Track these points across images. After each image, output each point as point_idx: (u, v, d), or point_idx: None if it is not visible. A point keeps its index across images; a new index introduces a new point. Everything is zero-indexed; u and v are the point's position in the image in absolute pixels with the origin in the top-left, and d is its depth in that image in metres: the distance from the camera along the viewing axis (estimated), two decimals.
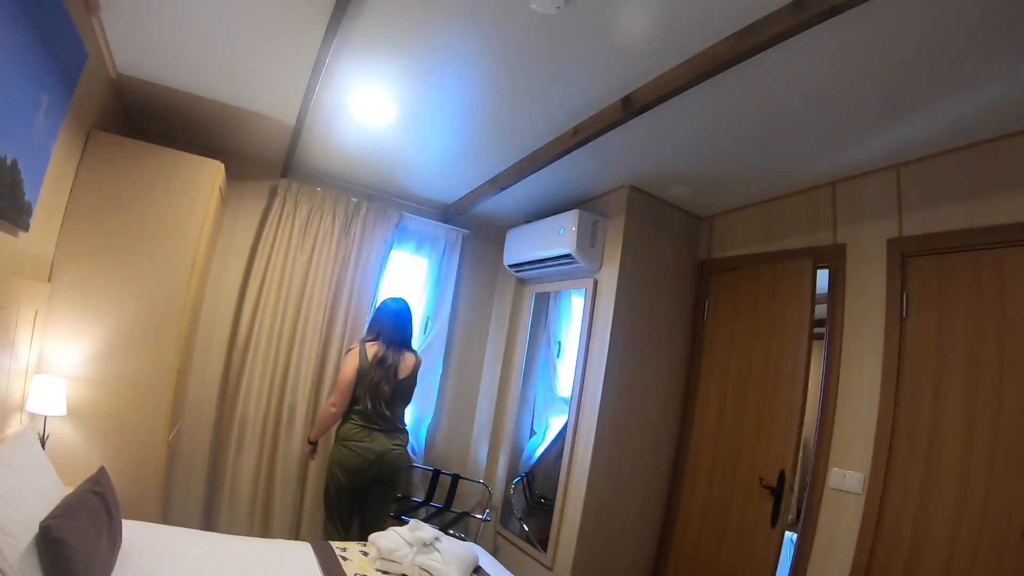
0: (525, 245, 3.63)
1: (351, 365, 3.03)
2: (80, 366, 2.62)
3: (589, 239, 3.22)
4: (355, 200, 3.74)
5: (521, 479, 3.65)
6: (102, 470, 2.15)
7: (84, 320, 2.65)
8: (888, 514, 2.27)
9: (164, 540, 2.28)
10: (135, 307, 2.74)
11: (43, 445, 2.48)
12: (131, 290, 2.74)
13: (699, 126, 2.44)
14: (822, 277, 2.76)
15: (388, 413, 3.06)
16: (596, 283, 3.27)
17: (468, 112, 2.67)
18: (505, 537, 3.64)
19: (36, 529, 1.63)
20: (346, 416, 3.06)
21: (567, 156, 2.73)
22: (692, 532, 3.14)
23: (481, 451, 4.01)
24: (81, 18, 2.20)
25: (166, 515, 3.15)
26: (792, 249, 2.93)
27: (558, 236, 3.28)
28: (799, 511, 2.73)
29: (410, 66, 2.34)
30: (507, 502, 3.66)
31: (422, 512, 3.64)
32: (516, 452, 3.74)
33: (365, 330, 3.32)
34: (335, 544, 2.63)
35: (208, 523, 3.36)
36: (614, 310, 3.08)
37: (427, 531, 2.54)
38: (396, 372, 3.08)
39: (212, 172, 2.90)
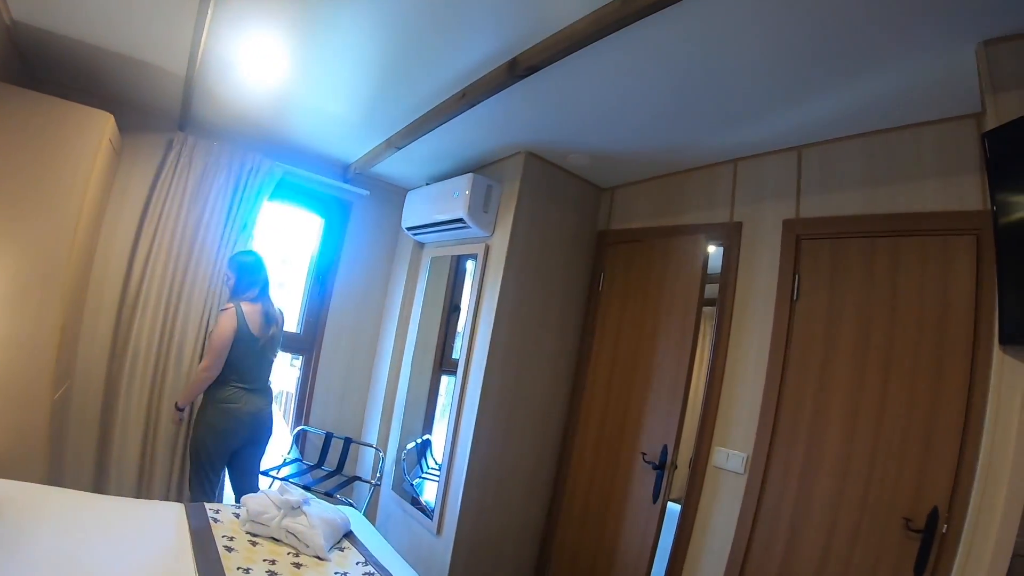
0: (422, 208, 3.61)
1: (228, 326, 2.96)
2: None
3: (482, 204, 3.20)
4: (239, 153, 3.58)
5: (417, 445, 3.69)
6: None
7: None
8: (769, 495, 2.38)
9: (35, 499, 2.20)
10: (16, 260, 2.59)
11: None
12: (12, 242, 2.59)
13: (593, 95, 2.42)
14: (717, 256, 2.81)
15: (262, 373, 3.06)
16: (488, 248, 3.27)
17: (356, 72, 2.61)
18: (397, 502, 3.67)
19: None
20: (220, 378, 3.00)
21: (458, 119, 2.70)
22: (578, 504, 3.25)
23: (375, 416, 4.03)
24: None
25: (55, 476, 3.02)
26: (688, 224, 2.99)
27: (452, 200, 3.27)
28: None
29: (297, 16, 2.24)
30: (399, 467, 3.70)
31: (312, 475, 3.64)
32: (411, 417, 3.76)
33: (233, 287, 3.17)
34: (209, 506, 2.61)
35: (99, 485, 3.26)
36: (503, 276, 3.09)
37: (295, 494, 2.54)
38: (271, 332, 3.08)
39: (100, 123, 2.75)
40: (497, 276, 3.13)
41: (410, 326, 3.89)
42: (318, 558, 2.36)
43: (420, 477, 3.55)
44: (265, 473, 3.32)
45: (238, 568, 2.15)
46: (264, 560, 2.26)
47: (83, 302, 3.32)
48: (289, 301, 4.01)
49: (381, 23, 2.16)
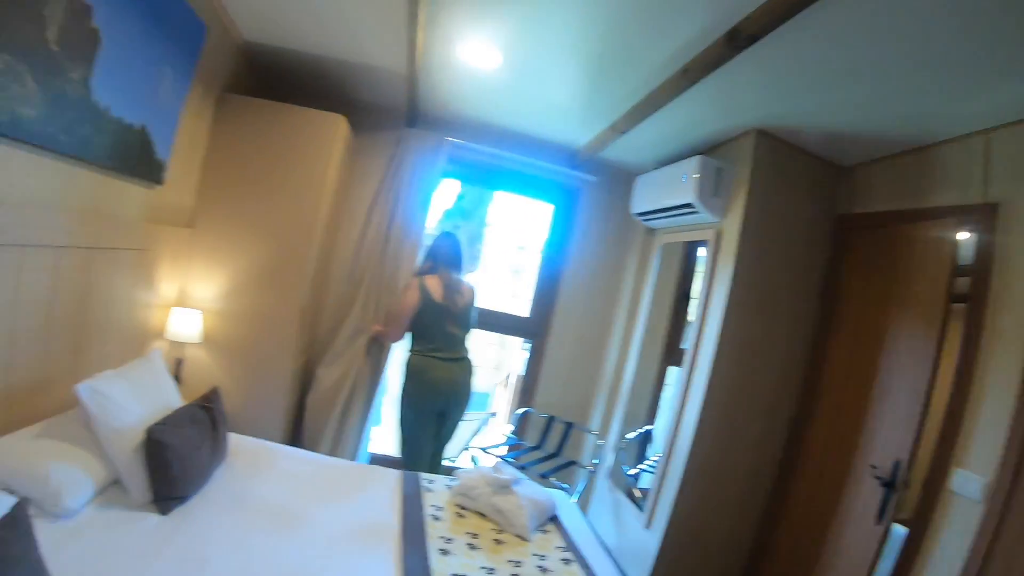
0: (651, 193, 3.52)
1: (411, 297, 3.26)
2: (215, 300, 3.13)
3: (712, 187, 3.02)
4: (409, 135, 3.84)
5: (639, 435, 3.66)
6: (214, 389, 2.58)
7: (220, 260, 3.14)
8: (1009, 530, 1.92)
9: (267, 454, 2.71)
10: (266, 250, 3.17)
11: (179, 366, 3.06)
12: (263, 235, 3.16)
13: (822, 61, 2.13)
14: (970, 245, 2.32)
15: (456, 343, 3.30)
16: (719, 234, 3.08)
17: (573, 57, 2.64)
18: (611, 491, 3.68)
19: (144, 433, 2.07)
20: (413, 349, 3.31)
21: (682, 97, 2.58)
22: (798, 512, 2.92)
23: (598, 403, 4.05)
24: (204, 3, 2.57)
25: (296, 438, 3.64)
26: (934, 207, 2.49)
27: (680, 184, 3.13)
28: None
29: (512, 10, 2.36)
30: (617, 456, 3.71)
31: (530, 456, 3.82)
32: (635, 406, 3.74)
33: (420, 265, 3.49)
34: (423, 475, 2.91)
35: (333, 449, 3.76)
36: (734, 264, 2.89)
37: (507, 473, 2.71)
38: (456, 304, 3.28)
39: (335, 125, 3.22)
40: (728, 263, 2.93)
41: (639, 313, 3.82)
42: (520, 537, 2.49)
43: (638, 468, 3.51)
44: (484, 450, 3.58)
45: (440, 536, 2.36)
46: (467, 533, 2.44)
47: (326, 285, 3.87)
48: (523, 287, 4.23)
49: (593, 4, 2.14)
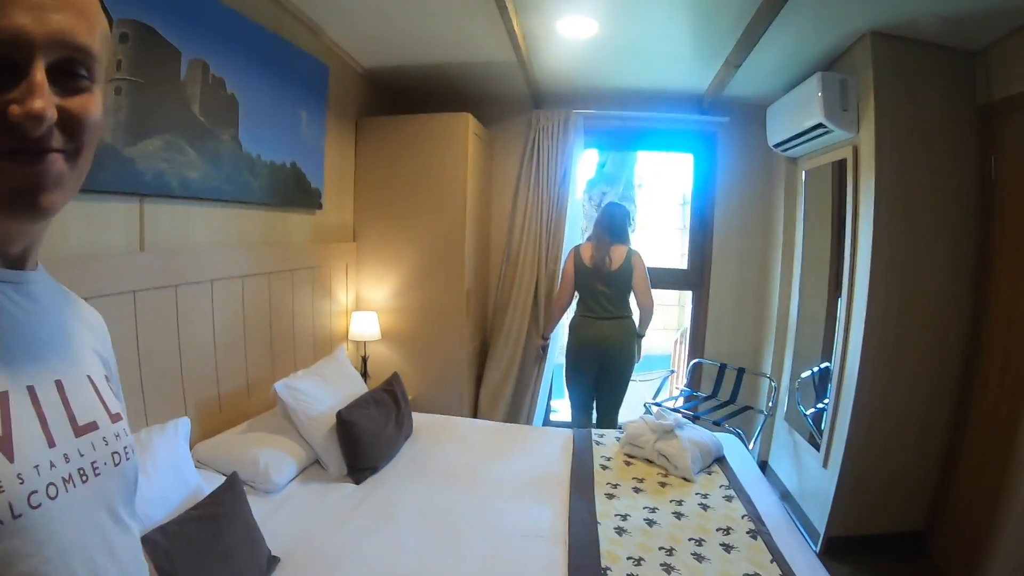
0: (783, 121, 3.31)
1: (567, 264, 3.50)
2: (387, 300, 3.55)
3: (839, 103, 2.80)
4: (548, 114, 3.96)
5: (814, 372, 3.46)
6: (394, 374, 2.95)
7: (385, 265, 3.55)
8: None
9: (449, 428, 3.00)
10: (424, 248, 3.52)
11: (365, 363, 3.51)
12: (418, 235, 3.52)
13: None
14: None
15: (607, 303, 3.41)
16: (856, 149, 2.85)
17: (665, 1, 2.62)
18: (789, 432, 3.53)
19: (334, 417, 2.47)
20: (575, 312, 3.54)
21: (782, 16, 2.43)
22: (980, 442, 2.60)
23: (769, 345, 3.88)
24: (314, 41, 2.96)
25: (477, 411, 3.97)
26: None
27: (808, 106, 2.93)
28: None
29: None
30: (793, 397, 3.52)
31: (704, 405, 3.78)
32: (807, 343, 3.53)
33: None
34: (595, 431, 3.06)
35: (511, 417, 4.06)
36: (875, 178, 2.66)
37: (669, 418, 2.77)
38: (607, 266, 3.39)
39: (463, 123, 3.47)
40: (870, 179, 2.71)
41: (796, 247, 3.58)
42: (685, 479, 2.53)
43: (816, 407, 3.30)
44: (658, 404, 3.60)
45: (607, 483, 2.49)
46: (633, 478, 2.55)
47: (487, 269, 4.16)
48: (672, 238, 4.17)
49: None
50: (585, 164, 4.13)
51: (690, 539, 2.05)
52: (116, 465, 0.67)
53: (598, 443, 2.89)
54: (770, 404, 3.64)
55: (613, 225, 3.48)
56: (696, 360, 4.07)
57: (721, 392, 3.83)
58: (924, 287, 2.73)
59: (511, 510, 2.23)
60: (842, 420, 2.84)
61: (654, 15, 2.74)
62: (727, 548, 2.00)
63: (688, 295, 4.32)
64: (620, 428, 3.08)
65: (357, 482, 2.39)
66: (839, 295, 3.27)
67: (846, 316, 2.89)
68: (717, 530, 2.11)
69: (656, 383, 4.33)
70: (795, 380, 3.47)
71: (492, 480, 2.47)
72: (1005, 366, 2.52)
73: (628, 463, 2.70)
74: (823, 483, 2.95)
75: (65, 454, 0.60)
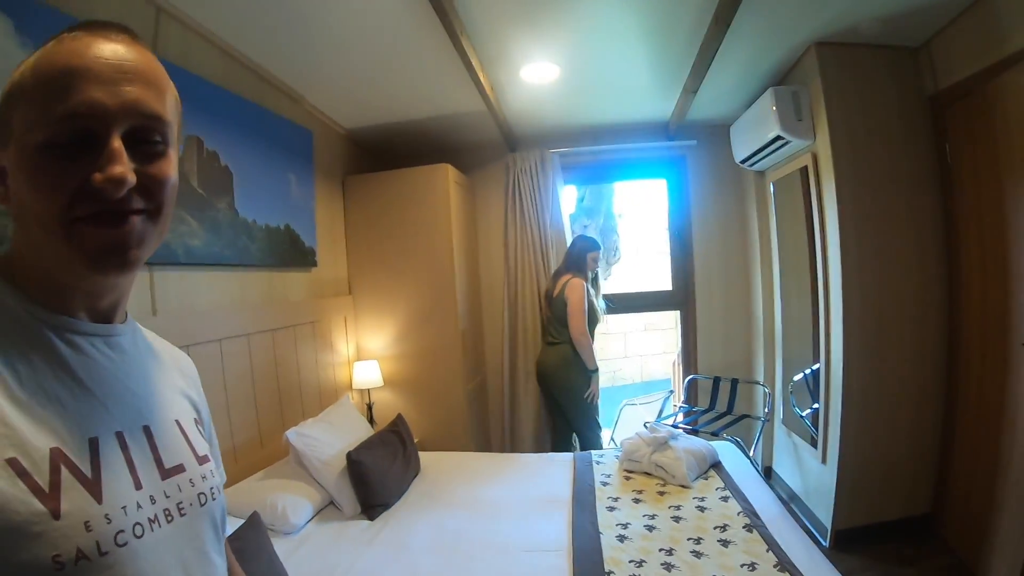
0: (745, 137, 3.51)
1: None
2: (386, 348, 3.71)
3: (793, 114, 3.00)
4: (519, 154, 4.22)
5: (806, 375, 3.58)
6: (399, 416, 3.08)
7: (381, 315, 3.72)
8: None
9: (454, 462, 3.10)
10: (416, 296, 3.69)
11: (371, 409, 3.64)
12: (410, 284, 3.68)
13: None
14: None
15: (550, 328, 3.79)
16: (814, 156, 3.03)
17: (616, 43, 2.84)
18: (787, 435, 3.61)
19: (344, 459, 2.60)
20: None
21: (728, 41, 2.64)
22: (971, 417, 2.70)
23: (759, 353, 4.01)
24: (296, 108, 3.19)
25: (480, 445, 4.05)
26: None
27: (765, 121, 3.13)
28: None
29: (544, 28, 2.66)
30: (788, 400, 3.62)
31: (703, 419, 3.88)
32: (797, 347, 3.66)
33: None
34: (595, 452, 3.18)
35: (514, 447, 4.19)
36: (835, 179, 2.82)
37: (662, 431, 2.89)
38: (552, 293, 3.73)
39: (443, 174, 3.66)
40: (830, 182, 2.87)
41: (773, 256, 3.76)
42: (682, 486, 2.64)
43: (812, 408, 3.41)
44: (656, 422, 3.72)
45: (608, 497, 2.60)
46: (633, 491, 2.65)
47: (480, 310, 4.32)
48: (660, 263, 4.35)
49: None
50: (566, 199, 4.33)
51: (689, 539, 2.16)
52: (203, 505, 0.71)
53: (598, 462, 3.00)
54: (766, 410, 3.75)
55: (567, 256, 3.80)
56: (691, 377, 4.18)
57: (718, 404, 3.94)
58: (897, 277, 2.86)
59: (517, 529, 2.34)
60: (834, 416, 2.93)
61: (610, 54, 2.96)
62: (724, 543, 2.11)
63: (676, 315, 4.47)
64: (618, 447, 3.20)
65: (371, 518, 2.50)
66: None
67: (825, 315, 3.02)
68: (714, 528, 2.22)
69: (657, 405, 4.44)
70: (788, 384, 3.58)
71: (497, 504, 2.59)
72: (984, 340, 2.64)
73: (627, 477, 2.81)
74: (824, 479, 3.03)
75: (152, 495, 0.64)
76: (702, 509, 2.38)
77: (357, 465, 2.55)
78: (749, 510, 2.31)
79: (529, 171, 4.13)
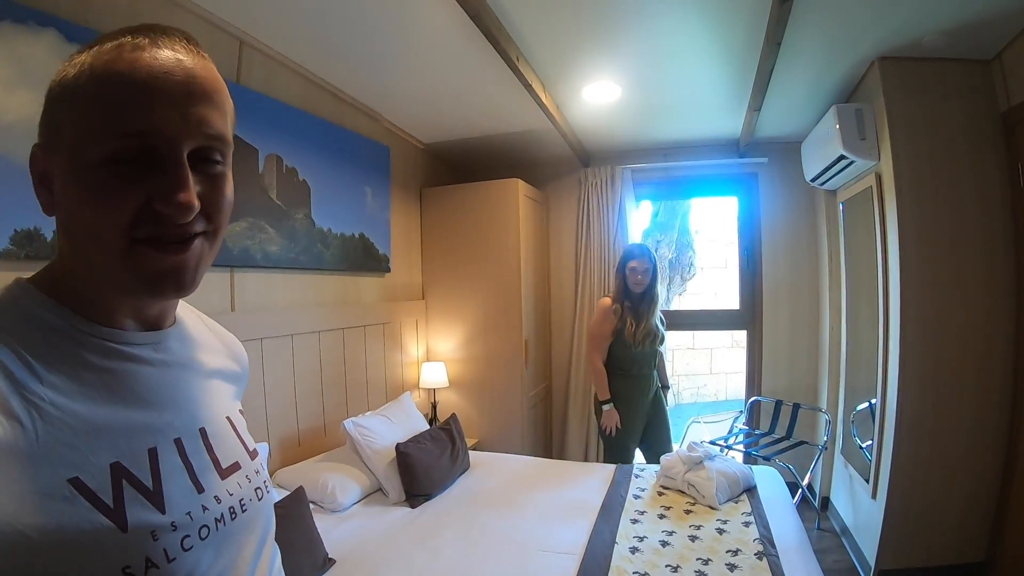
0: (813, 155, 3.38)
1: None
2: (453, 351, 3.91)
3: (856, 132, 2.87)
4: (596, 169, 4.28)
5: (871, 404, 3.43)
6: (453, 415, 3.26)
7: (451, 319, 3.94)
8: None
9: (502, 464, 3.24)
10: (484, 303, 3.88)
11: (435, 408, 3.87)
12: (479, 292, 3.88)
13: None
14: None
15: None
16: (878, 176, 2.89)
17: (676, 61, 2.86)
18: (844, 466, 3.44)
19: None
20: None
21: (784, 57, 2.59)
22: None
23: (824, 377, 3.83)
24: (374, 126, 3.47)
25: (537, 451, 4.14)
26: None
27: (829, 139, 3.02)
28: None
29: (603, 49, 2.74)
30: (848, 429, 3.47)
31: (761, 442, 3.78)
32: (863, 374, 3.51)
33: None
34: (638, 466, 3.21)
35: (566, 455, 4.27)
36: (897, 202, 2.68)
37: (700, 451, 2.90)
38: None
39: (513, 188, 3.82)
40: (892, 203, 2.72)
41: (841, 278, 3.60)
42: (711, 507, 2.64)
43: (873, 440, 3.25)
44: (712, 442, 3.68)
45: (635, 510, 2.64)
46: (661, 507, 2.66)
47: (549, 319, 4.44)
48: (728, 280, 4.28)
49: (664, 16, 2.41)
50: (641, 215, 4.37)
51: (698, 558, 2.17)
52: (260, 500, 0.72)
53: (637, 476, 3.03)
54: (826, 438, 3.61)
55: None
56: (754, 398, 4.07)
57: (778, 428, 3.83)
58: (961, 307, 2.67)
59: (540, 530, 2.45)
60: (886, 449, 2.78)
61: (669, 74, 3.00)
62: (731, 567, 2.10)
63: (744, 334, 4.38)
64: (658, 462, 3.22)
65: (413, 506, 2.69)
66: None
67: (884, 344, 2.88)
68: (727, 551, 2.21)
69: (726, 424, 4.38)
70: (850, 413, 3.43)
71: (530, 505, 2.70)
72: None
73: (661, 493, 2.82)
74: (873, 515, 2.86)
75: (216, 496, 0.65)
76: (721, 531, 2.38)
77: (404, 456, 2.76)
78: (766, 538, 2.28)
79: (600, 186, 4.20)
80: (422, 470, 2.79)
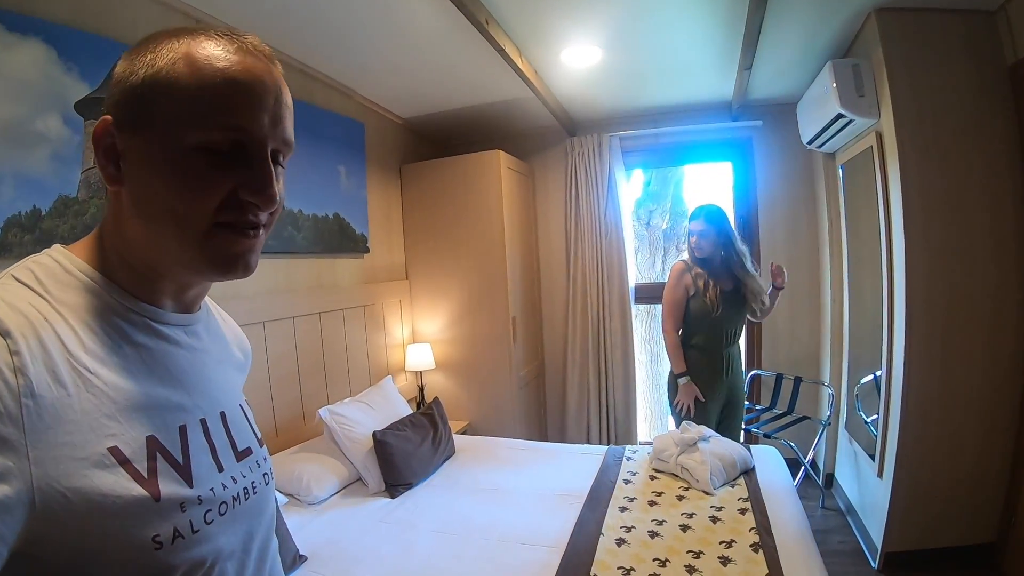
0: (809, 116, 3.14)
1: None
2: (440, 332, 3.73)
3: (853, 89, 2.64)
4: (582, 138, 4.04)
5: (876, 377, 3.24)
6: (435, 399, 3.09)
7: (436, 299, 3.74)
8: None
9: (489, 448, 3.07)
10: (469, 281, 3.67)
11: (422, 391, 3.71)
12: (463, 269, 3.67)
13: None
14: None
15: None
16: (879, 135, 2.66)
17: (657, 18, 2.64)
18: (849, 442, 3.25)
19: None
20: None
21: (772, 9, 2.38)
22: None
23: (826, 349, 3.63)
24: (347, 101, 3.24)
25: (531, 432, 4.00)
26: None
27: (825, 98, 2.79)
28: None
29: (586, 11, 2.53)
30: (852, 404, 3.28)
31: (762, 417, 3.61)
32: (866, 346, 3.31)
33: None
34: (629, 447, 3.03)
35: (564, 435, 4.14)
36: (899, 160, 2.46)
37: (692, 431, 2.72)
38: None
39: (494, 160, 3.61)
40: (895, 164, 2.50)
41: (843, 244, 3.38)
42: (705, 493, 2.47)
43: (878, 414, 3.06)
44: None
45: (624, 497, 2.47)
46: (652, 492, 2.49)
47: (539, 295, 4.24)
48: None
49: None
50: (632, 184, 4.15)
51: (688, 551, 1.99)
52: (267, 485, 0.76)
53: (629, 459, 2.86)
54: (829, 413, 3.43)
55: None
56: (752, 372, 3.87)
57: (779, 403, 3.64)
58: (969, 273, 2.47)
59: (522, 520, 2.28)
60: (892, 426, 2.60)
61: (653, 34, 2.76)
62: (724, 561, 1.92)
63: None
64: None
65: (392, 496, 2.54)
66: None
67: (888, 314, 2.67)
68: (720, 543, 2.02)
69: None
70: (854, 386, 3.24)
71: (513, 494, 2.54)
72: None
73: (653, 477, 2.65)
74: (879, 495, 2.68)
75: (232, 476, 0.69)
76: (715, 520, 2.20)
77: (382, 445, 2.60)
78: (764, 527, 2.10)
79: (587, 155, 3.97)
80: (401, 458, 2.63)
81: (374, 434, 2.63)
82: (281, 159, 0.65)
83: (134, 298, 0.63)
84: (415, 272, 3.83)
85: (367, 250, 3.37)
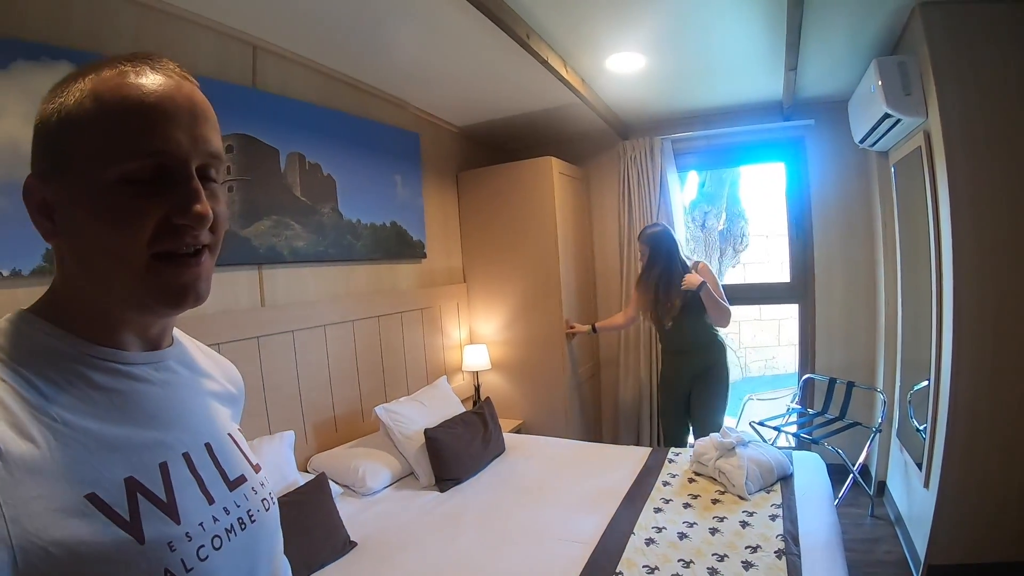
0: (859, 115, 3.03)
1: None
2: (496, 333, 3.84)
3: (900, 87, 2.53)
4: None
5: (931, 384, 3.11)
6: (487, 399, 3.22)
7: (493, 302, 3.86)
8: None
9: (538, 447, 3.16)
10: (524, 285, 3.77)
11: (478, 391, 3.84)
12: (519, 272, 3.77)
13: None
14: None
15: None
16: (927, 135, 2.55)
17: (698, 22, 2.64)
18: (900, 450, 3.12)
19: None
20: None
21: (812, 7, 2.34)
22: None
23: (880, 355, 3.48)
24: (401, 113, 3.37)
25: (584, 432, 4.05)
26: None
27: (872, 97, 2.69)
28: None
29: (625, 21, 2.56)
30: (905, 410, 3.16)
31: (814, 422, 3.53)
32: (921, 351, 3.19)
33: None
34: (673, 449, 3.06)
35: (617, 436, 4.18)
36: (946, 160, 2.35)
37: (732, 436, 2.73)
38: None
39: (547, 166, 3.69)
40: (942, 164, 2.39)
41: (897, 246, 3.26)
42: (740, 497, 2.48)
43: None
44: (762, 423, 3.47)
45: (661, 498, 2.51)
46: (689, 495, 2.52)
47: (594, 297, 4.31)
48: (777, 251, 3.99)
49: None
50: (688, 186, 4.13)
51: (714, 554, 2.03)
52: (267, 511, 0.73)
53: (671, 460, 2.89)
54: (880, 420, 3.32)
55: None
56: (807, 376, 3.76)
57: (831, 407, 3.55)
58: (1019, 273, 2.34)
59: (560, 518, 2.36)
60: (939, 435, 2.48)
61: (693, 38, 2.76)
62: (747, 565, 1.94)
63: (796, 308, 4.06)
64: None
65: (442, 490, 2.67)
66: None
67: (937, 320, 2.57)
68: (745, 548, 2.04)
69: (784, 400, 4.14)
70: (907, 392, 3.13)
71: (556, 492, 2.62)
72: None
73: (692, 480, 2.67)
74: (925, 506, 2.57)
75: (224, 507, 0.66)
76: (744, 524, 2.21)
77: (433, 441, 2.75)
78: (791, 535, 2.11)
79: (640, 159, 3.98)
80: (451, 455, 2.77)
81: (426, 431, 2.77)
82: (213, 173, 0.63)
83: (94, 344, 0.61)
84: (472, 275, 3.97)
85: (424, 255, 3.53)
